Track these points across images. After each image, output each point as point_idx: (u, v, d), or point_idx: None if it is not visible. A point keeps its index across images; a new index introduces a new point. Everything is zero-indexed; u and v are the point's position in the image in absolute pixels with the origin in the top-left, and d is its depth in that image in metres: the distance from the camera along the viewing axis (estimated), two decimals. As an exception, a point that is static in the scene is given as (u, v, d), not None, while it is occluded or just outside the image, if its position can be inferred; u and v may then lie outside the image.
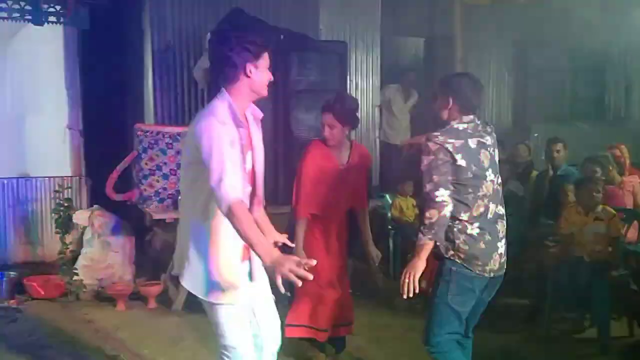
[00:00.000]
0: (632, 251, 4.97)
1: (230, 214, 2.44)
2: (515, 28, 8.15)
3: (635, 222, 5.26)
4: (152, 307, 5.41)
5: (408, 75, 7.95)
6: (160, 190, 5.48)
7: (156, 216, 5.36)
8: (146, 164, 5.45)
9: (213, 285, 2.66)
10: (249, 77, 2.62)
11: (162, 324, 5.02)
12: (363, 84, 7.50)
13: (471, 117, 3.09)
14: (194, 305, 5.37)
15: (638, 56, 8.77)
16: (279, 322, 2.93)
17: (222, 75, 2.67)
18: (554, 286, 4.98)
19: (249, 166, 2.70)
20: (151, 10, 6.38)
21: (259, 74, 2.65)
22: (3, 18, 6.11)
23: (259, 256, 2.46)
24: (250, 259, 2.73)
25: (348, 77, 6.61)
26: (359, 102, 7.39)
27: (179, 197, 5.36)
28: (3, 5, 6.02)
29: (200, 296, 2.72)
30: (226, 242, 2.63)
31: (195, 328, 4.85)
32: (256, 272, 2.76)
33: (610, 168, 5.64)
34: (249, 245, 2.51)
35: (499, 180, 3.14)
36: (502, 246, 3.09)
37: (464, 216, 3.00)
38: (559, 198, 5.48)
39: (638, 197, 5.64)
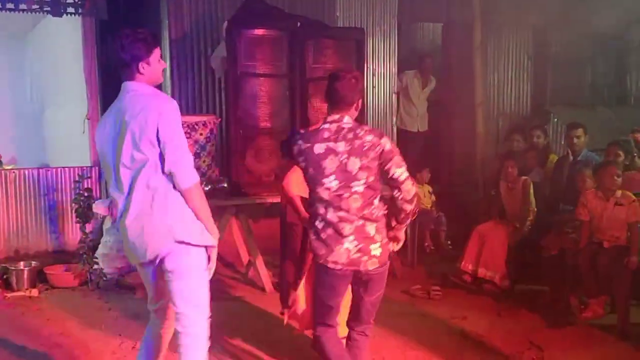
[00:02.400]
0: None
1: (192, 193, 2.83)
2: (535, 12, 8.03)
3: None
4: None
5: (425, 60, 7.87)
6: (178, 179, 5.50)
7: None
8: (164, 153, 5.47)
9: None
10: (142, 74, 2.91)
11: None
12: (380, 70, 7.47)
13: (336, 117, 3.04)
14: (213, 293, 5.44)
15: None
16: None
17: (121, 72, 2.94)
18: (574, 272, 4.95)
19: None
20: (168, -1, 6.41)
21: (151, 69, 2.93)
22: (22, 10, 6.15)
23: (209, 224, 2.90)
24: None
25: (365, 64, 6.56)
26: (377, 89, 7.47)
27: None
28: (22, -3, 6.06)
29: None
30: None
31: (216, 316, 4.88)
32: None
33: (635, 153, 5.59)
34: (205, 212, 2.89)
35: (356, 189, 3.00)
36: (349, 243, 3.02)
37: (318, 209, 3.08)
38: (578, 184, 5.41)
39: (659, 182, 5.56)
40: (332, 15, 7.09)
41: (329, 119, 3.07)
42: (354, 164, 2.98)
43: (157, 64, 2.94)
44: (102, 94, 6.53)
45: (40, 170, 6.48)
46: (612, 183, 4.80)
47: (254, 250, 5.59)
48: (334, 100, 3.07)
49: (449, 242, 6.85)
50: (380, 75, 7.45)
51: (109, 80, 6.65)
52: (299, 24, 5.92)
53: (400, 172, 3.02)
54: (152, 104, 2.82)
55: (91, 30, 6.53)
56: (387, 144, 3.03)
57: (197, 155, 5.49)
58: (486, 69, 7.68)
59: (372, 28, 7.35)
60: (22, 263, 5.79)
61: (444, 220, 6.84)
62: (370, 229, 3.04)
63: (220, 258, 5.99)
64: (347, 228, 3.02)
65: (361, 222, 3.02)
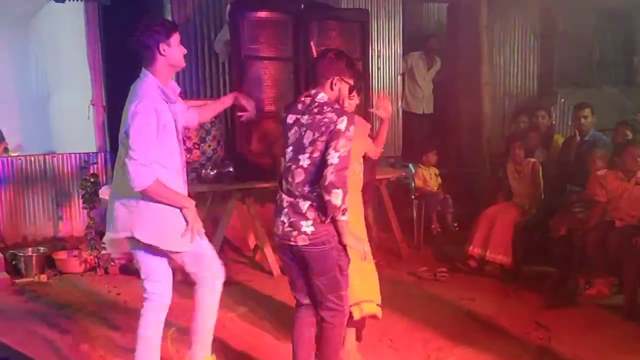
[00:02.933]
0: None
1: (148, 194, 3.01)
2: (541, -9, 7.95)
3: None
4: (179, 280, 5.47)
5: (431, 40, 7.81)
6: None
7: (180, 190, 5.38)
8: (169, 138, 5.47)
9: None
10: (163, 55, 3.05)
11: (189, 295, 5.08)
12: (385, 51, 7.41)
13: (312, 91, 3.11)
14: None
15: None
16: None
17: (142, 58, 3.11)
18: (581, 252, 4.94)
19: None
20: (171, -18, 6.36)
21: (172, 51, 3.07)
22: (25, -5, 6.13)
23: (183, 206, 3.10)
24: None
25: (370, 46, 6.51)
26: (382, 71, 7.42)
27: (203, 171, 5.43)
28: (24, -18, 6.04)
29: None
30: None
31: (222, 299, 4.90)
32: None
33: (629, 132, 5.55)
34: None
35: (301, 163, 3.00)
36: (284, 216, 3.06)
37: None
38: (587, 164, 5.38)
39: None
40: (337, -3, 7.03)
41: (306, 92, 3.14)
42: (308, 137, 3.01)
43: (177, 47, 3.08)
44: (106, 79, 6.50)
45: (47, 156, 6.48)
46: (633, 164, 4.80)
47: (261, 234, 5.60)
48: (312, 76, 3.16)
49: (455, 224, 6.85)
50: (385, 57, 7.40)
51: (113, 66, 6.63)
52: (302, 5, 5.87)
53: (334, 156, 2.91)
54: (131, 101, 2.99)
55: (94, 16, 6.49)
56: (342, 123, 2.94)
57: (202, 140, 5.48)
58: (492, 50, 7.61)
59: (377, 9, 7.29)
60: (30, 249, 5.83)
61: (450, 202, 6.83)
62: (303, 205, 3.01)
63: (227, 242, 6.05)
64: (285, 201, 3.08)
65: (299, 198, 3.02)
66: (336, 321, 3.19)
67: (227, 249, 6.12)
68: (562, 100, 7.81)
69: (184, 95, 6.31)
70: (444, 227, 6.88)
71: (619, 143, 5.38)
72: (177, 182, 3.16)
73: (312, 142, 2.99)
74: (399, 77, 7.54)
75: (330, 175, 2.91)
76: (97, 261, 5.64)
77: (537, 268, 5.50)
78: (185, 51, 3.16)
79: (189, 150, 5.48)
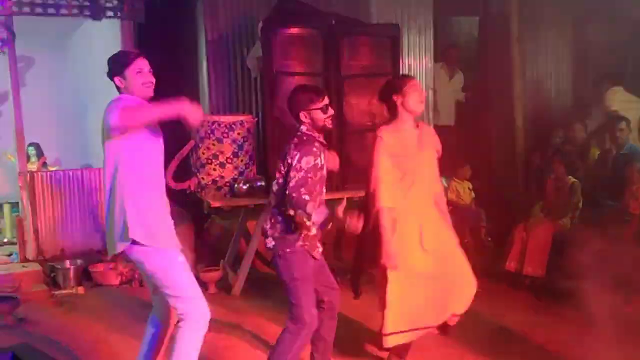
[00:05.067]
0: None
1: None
2: (574, 2, 7.87)
3: None
4: (212, 293, 5.54)
5: (450, 51, 7.76)
6: (217, 179, 5.58)
7: (214, 204, 5.46)
8: (203, 153, 5.55)
9: None
10: (121, 87, 3.18)
11: (222, 309, 5.13)
12: (416, 66, 7.41)
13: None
14: (252, 290, 5.51)
15: None
16: None
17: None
18: (618, 267, 4.85)
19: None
20: (204, 0, 6.47)
21: (128, 82, 3.14)
22: (63, 15, 6.30)
23: (177, 110, 3.02)
24: None
25: (401, 60, 6.52)
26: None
27: (236, 185, 5.49)
28: (63, 2, 6.20)
29: None
30: None
31: (255, 313, 4.94)
32: None
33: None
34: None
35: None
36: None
37: None
38: (623, 178, 5.30)
39: None
40: (367, 12, 7.06)
41: None
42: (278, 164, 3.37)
43: (134, 78, 3.14)
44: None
45: (84, 170, 6.63)
46: None
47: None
48: None
49: (489, 238, 6.78)
50: (416, 71, 7.40)
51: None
52: (333, 21, 5.92)
53: (295, 198, 3.20)
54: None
55: (130, 34, 6.64)
56: (292, 160, 3.26)
57: (235, 155, 5.55)
58: (524, 63, 7.55)
59: (408, 23, 7.30)
60: (67, 261, 5.95)
61: (483, 216, 6.77)
62: (267, 223, 3.42)
63: (259, 255, 6.03)
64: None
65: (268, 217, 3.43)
66: (290, 326, 3.38)
67: (260, 264, 6.15)
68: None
69: (219, 111, 6.44)
70: (477, 241, 6.82)
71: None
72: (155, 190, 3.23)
73: (279, 170, 3.39)
74: (430, 91, 7.53)
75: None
76: (132, 274, 5.73)
77: (573, 283, 5.40)
78: (149, 80, 3.17)
79: (221, 165, 5.55)
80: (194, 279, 3.21)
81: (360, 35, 5.94)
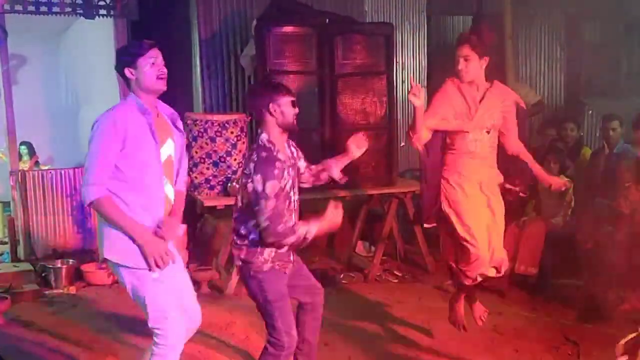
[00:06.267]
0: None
1: (94, 209, 2.92)
2: (568, 1, 7.89)
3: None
4: (204, 292, 5.52)
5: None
6: (210, 178, 5.56)
7: (207, 203, 5.45)
8: (196, 152, 5.53)
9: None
10: (132, 78, 2.94)
11: (214, 309, 5.12)
12: (410, 64, 7.41)
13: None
14: (244, 290, 5.48)
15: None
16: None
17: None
18: (611, 266, 4.87)
19: (164, 156, 2.98)
20: (197, -1, 6.47)
21: (140, 73, 2.92)
22: (56, 13, 6.27)
23: (133, 237, 2.83)
24: None
25: (394, 58, 6.52)
26: (407, 83, 7.41)
27: (229, 184, 5.48)
28: (55, 0, 6.18)
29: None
30: None
31: (247, 312, 4.93)
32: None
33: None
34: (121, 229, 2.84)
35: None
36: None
37: None
38: (615, 177, 5.31)
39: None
40: (361, 10, 7.06)
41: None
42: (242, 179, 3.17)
43: (147, 70, 2.92)
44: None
45: (77, 169, 6.60)
46: None
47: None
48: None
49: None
50: (410, 69, 7.40)
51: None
52: (327, 20, 5.91)
53: (261, 221, 3.04)
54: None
55: (123, 32, 6.62)
56: (258, 183, 3.02)
57: (228, 154, 5.53)
58: (517, 61, 7.55)
59: (401, 22, 7.30)
60: (59, 261, 5.92)
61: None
62: (233, 235, 3.26)
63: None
64: None
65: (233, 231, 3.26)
66: (269, 349, 3.17)
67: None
68: (590, 111, 7.72)
69: (212, 110, 6.42)
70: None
71: (633, 157, 5.33)
72: (152, 207, 2.91)
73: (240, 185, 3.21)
74: (424, 90, 7.51)
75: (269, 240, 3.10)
76: (124, 273, 5.70)
77: (565, 281, 5.43)
78: (162, 71, 2.94)
79: (215, 164, 5.54)
80: (170, 297, 2.95)
81: (354, 34, 5.93)
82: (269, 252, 3.13)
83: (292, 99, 3.20)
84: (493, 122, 3.88)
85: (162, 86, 2.95)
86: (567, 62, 8.25)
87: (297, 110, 3.22)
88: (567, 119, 6.81)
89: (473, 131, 3.83)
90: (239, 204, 3.18)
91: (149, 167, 2.90)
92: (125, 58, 2.95)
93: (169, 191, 3.04)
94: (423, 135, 3.87)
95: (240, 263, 3.20)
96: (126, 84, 2.99)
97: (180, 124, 3.15)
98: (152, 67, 2.91)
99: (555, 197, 5.66)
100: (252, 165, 3.07)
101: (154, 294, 2.90)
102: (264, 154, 3.07)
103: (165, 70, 2.95)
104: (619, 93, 8.13)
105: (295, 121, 3.20)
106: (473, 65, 3.80)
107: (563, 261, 5.48)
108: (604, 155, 5.87)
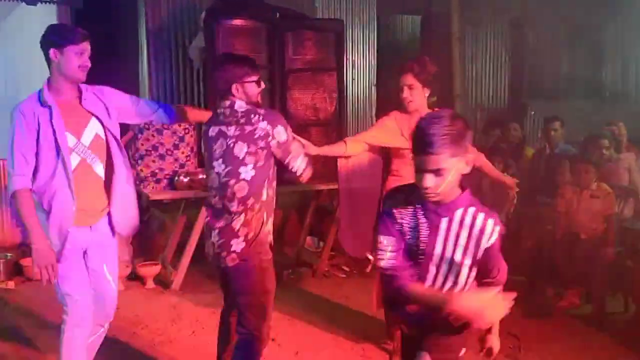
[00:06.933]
0: (628, 228, 4.99)
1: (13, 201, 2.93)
2: (512, 5, 8.10)
3: (631, 199, 5.29)
4: (149, 288, 5.43)
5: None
6: (156, 171, 5.46)
7: (153, 197, 5.35)
8: (142, 144, 5.42)
9: None
10: (53, 60, 2.95)
11: (159, 304, 5.04)
12: (360, 62, 7.47)
13: (227, 102, 3.03)
14: (191, 285, 5.43)
15: (634, 32, 8.74)
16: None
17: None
18: (551, 263, 5.01)
19: (71, 143, 2.96)
20: (145, -12, 6.33)
21: (64, 59, 2.93)
22: (-5, -3, 6.05)
23: (30, 238, 2.92)
24: None
25: (345, 56, 6.56)
26: (356, 81, 7.47)
27: (176, 178, 5.40)
28: (-5, -16, 5.96)
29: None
30: None
31: (193, 308, 4.87)
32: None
33: (608, 145, 5.66)
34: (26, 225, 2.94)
35: (243, 176, 2.96)
36: (214, 237, 3.03)
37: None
38: (555, 176, 5.48)
39: (633, 174, 5.64)
40: (311, 6, 7.06)
41: (222, 104, 3.06)
42: (241, 149, 2.94)
43: (72, 57, 2.93)
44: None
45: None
46: (585, 178, 4.89)
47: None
48: (217, 90, 3.11)
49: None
50: (360, 67, 7.45)
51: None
52: (277, 14, 5.88)
53: (297, 165, 3.03)
54: None
55: (66, 19, 6.44)
56: (281, 134, 2.97)
57: (175, 147, 5.45)
58: (464, 62, 7.71)
59: (352, 19, 7.35)
60: (-4, 255, 5.72)
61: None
62: (238, 222, 2.97)
63: (199, 249, 5.96)
64: (218, 220, 3.02)
65: (233, 214, 2.97)
66: (255, 345, 3.08)
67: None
68: (533, 112, 7.94)
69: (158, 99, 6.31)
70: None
71: (573, 156, 5.52)
72: (61, 197, 2.94)
73: (252, 154, 2.94)
74: (373, 88, 7.59)
75: (307, 174, 3.08)
76: (66, 268, 5.54)
77: (508, 277, 5.55)
78: (86, 64, 2.96)
79: (161, 157, 5.44)
80: (83, 277, 3.08)
81: (305, 30, 5.93)
82: (269, 241, 3.08)
83: (257, 78, 3.11)
84: None
85: (81, 76, 2.98)
86: (512, 65, 8.47)
87: (262, 87, 3.16)
88: (511, 119, 6.99)
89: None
90: (245, 190, 2.95)
91: (52, 158, 2.93)
92: (55, 39, 2.95)
93: (100, 170, 3.06)
94: (351, 149, 3.93)
95: (243, 259, 2.97)
96: (47, 62, 2.98)
97: (108, 93, 3.13)
98: (78, 57, 2.94)
99: (498, 195, 5.79)
100: (262, 124, 2.93)
101: (61, 279, 3.03)
102: (260, 110, 3.00)
103: (89, 63, 2.98)
104: (560, 95, 8.41)
105: (259, 99, 3.14)
106: (417, 94, 3.79)
107: (505, 258, 5.61)
108: (546, 155, 6.05)
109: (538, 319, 4.72)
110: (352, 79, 7.40)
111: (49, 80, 3.00)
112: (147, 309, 4.92)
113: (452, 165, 2.16)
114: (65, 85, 2.98)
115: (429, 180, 2.17)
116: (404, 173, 3.82)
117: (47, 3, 6.24)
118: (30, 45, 7.67)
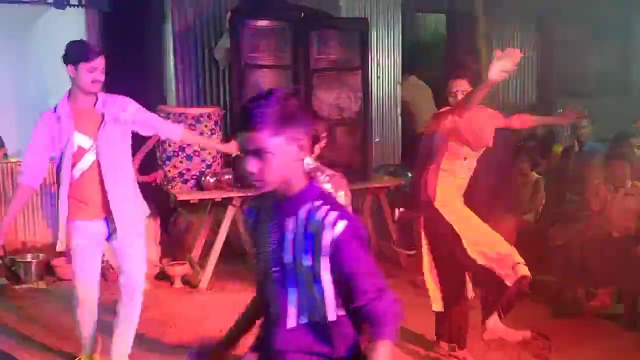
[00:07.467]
0: (661, 227, 4.90)
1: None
2: (539, 2, 8.00)
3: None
4: (177, 287, 5.48)
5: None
6: (184, 172, 5.51)
7: (180, 197, 5.40)
8: (169, 145, 5.48)
9: None
10: (70, 74, 3.39)
11: (188, 304, 5.08)
12: (385, 61, 7.43)
13: None
14: (218, 284, 5.46)
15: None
16: None
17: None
18: (581, 262, 4.94)
19: (87, 144, 3.43)
20: (171, -9, 6.39)
21: (79, 75, 3.35)
22: (26, 2, 6.14)
23: None
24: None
25: (369, 54, 6.54)
26: (381, 79, 7.43)
27: (203, 178, 5.44)
28: (25, -11, 6.07)
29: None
30: None
31: (220, 307, 4.90)
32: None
33: (639, 144, 5.58)
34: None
35: None
36: None
37: None
38: (585, 175, 5.40)
39: (666, 172, 5.54)
40: (336, 6, 7.05)
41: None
42: None
43: (85, 73, 3.34)
44: (104, 86, 6.50)
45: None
46: (621, 176, 4.81)
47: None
48: None
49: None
50: (384, 66, 7.42)
51: (112, 72, 6.63)
52: (302, 14, 5.90)
53: None
54: None
55: (94, 23, 6.51)
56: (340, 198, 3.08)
57: (202, 148, 5.49)
58: (490, 59, 7.61)
59: (376, 18, 7.31)
60: (29, 255, 5.81)
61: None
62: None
63: (226, 248, 6.01)
64: None
65: None
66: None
67: (230, 256, 6.10)
68: (561, 110, 7.82)
69: (185, 103, 6.36)
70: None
71: (609, 155, 5.43)
72: (62, 198, 3.49)
73: None
74: (398, 87, 7.55)
75: None
76: (95, 268, 5.62)
77: (537, 277, 5.49)
78: (98, 79, 3.37)
79: (188, 158, 5.48)
80: (86, 264, 3.59)
81: (329, 29, 5.93)
82: None
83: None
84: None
85: (95, 90, 3.39)
86: (539, 62, 8.37)
87: (99, 78, 3.45)
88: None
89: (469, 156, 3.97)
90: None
91: (63, 159, 3.46)
92: (71, 56, 3.34)
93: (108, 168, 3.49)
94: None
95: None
96: (69, 75, 3.40)
97: (122, 102, 3.57)
98: (90, 73, 3.32)
99: (527, 194, 5.74)
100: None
101: (73, 262, 3.63)
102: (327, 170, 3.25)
103: (101, 78, 3.37)
104: (589, 92, 8.27)
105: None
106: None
107: (534, 258, 5.55)
108: (574, 153, 5.97)
109: (568, 319, 4.66)
110: (377, 78, 7.37)
111: (70, 89, 3.43)
112: (176, 308, 4.96)
113: (276, 148, 1.82)
114: (81, 95, 3.40)
115: (252, 163, 1.88)
116: (450, 169, 4.00)
117: (76, 7, 6.32)
118: (59, 49, 7.80)
